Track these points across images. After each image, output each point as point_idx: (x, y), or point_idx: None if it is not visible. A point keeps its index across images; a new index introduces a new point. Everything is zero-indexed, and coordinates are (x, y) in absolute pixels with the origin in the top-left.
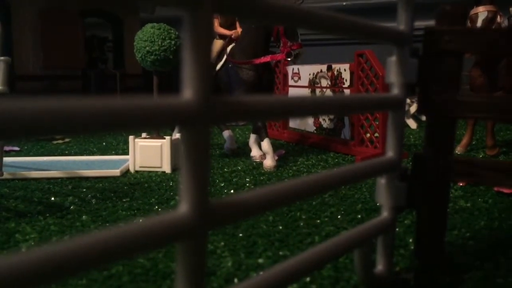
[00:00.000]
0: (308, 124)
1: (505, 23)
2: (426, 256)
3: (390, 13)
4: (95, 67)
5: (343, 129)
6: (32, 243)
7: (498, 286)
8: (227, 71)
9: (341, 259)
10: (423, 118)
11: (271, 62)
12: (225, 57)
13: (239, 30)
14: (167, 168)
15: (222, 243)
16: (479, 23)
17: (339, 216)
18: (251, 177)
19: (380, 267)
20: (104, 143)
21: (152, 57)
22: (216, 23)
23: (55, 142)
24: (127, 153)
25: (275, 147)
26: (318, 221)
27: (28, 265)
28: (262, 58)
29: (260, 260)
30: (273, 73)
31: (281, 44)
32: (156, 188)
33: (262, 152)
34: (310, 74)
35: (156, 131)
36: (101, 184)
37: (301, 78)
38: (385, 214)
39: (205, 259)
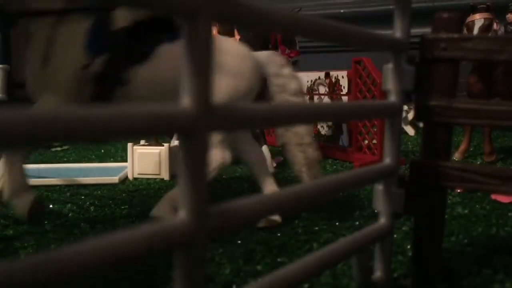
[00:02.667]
0: None
1: (501, 30)
2: (424, 262)
3: (388, 21)
4: None
5: (341, 136)
6: (31, 250)
7: None
8: None
9: (340, 265)
10: (421, 125)
11: None
12: None
13: (237, 37)
14: (165, 175)
15: (221, 250)
16: (475, 31)
17: (337, 223)
18: (249, 184)
19: (378, 273)
20: (102, 150)
21: None
22: (214, 30)
23: (53, 149)
24: (125, 160)
25: (273, 154)
26: (316, 228)
27: (26, 272)
28: None
29: (259, 267)
30: None
31: (279, 52)
32: (155, 195)
33: None
34: (308, 81)
35: (155, 138)
36: (99, 192)
37: None
38: (383, 220)
39: (204, 266)
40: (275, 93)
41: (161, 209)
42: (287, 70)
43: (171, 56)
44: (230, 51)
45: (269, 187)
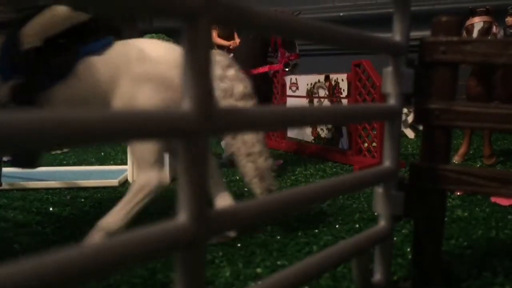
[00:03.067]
0: (306, 133)
1: (500, 33)
2: (424, 265)
3: (387, 24)
4: None
5: (341, 139)
6: (31, 253)
7: None
8: None
9: (339, 268)
10: (421, 127)
11: (269, 72)
12: None
13: (237, 40)
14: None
15: (221, 253)
16: (475, 34)
17: (337, 226)
18: (249, 187)
19: (378, 276)
20: (102, 153)
21: None
22: (214, 34)
23: (53, 152)
24: (125, 163)
25: (273, 156)
26: (316, 230)
27: (26, 276)
28: (260, 68)
29: (259, 270)
30: (271, 83)
31: (279, 55)
32: (155, 198)
33: None
34: (307, 84)
35: None
36: (99, 195)
37: (299, 88)
38: (382, 223)
39: (204, 269)
40: (220, 98)
41: (93, 240)
42: (232, 72)
43: (94, 70)
44: (156, 57)
45: (222, 200)
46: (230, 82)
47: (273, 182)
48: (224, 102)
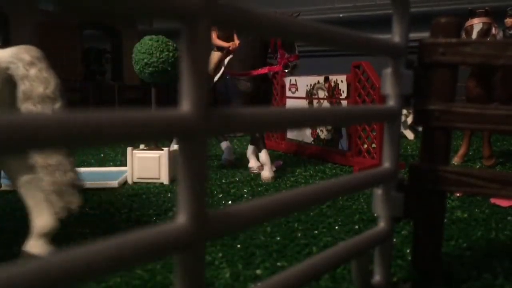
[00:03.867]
0: (306, 135)
1: (500, 35)
2: (424, 266)
3: (386, 26)
4: (93, 79)
5: (341, 140)
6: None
7: None
8: (225, 82)
9: (339, 269)
10: (420, 129)
11: (268, 73)
12: (222, 69)
13: (236, 42)
14: (165, 179)
15: (220, 254)
16: (474, 35)
17: (336, 227)
18: (249, 188)
19: (377, 277)
20: (102, 155)
21: (150, 69)
22: (214, 35)
23: None
24: (125, 165)
25: (272, 158)
26: (316, 232)
27: (25, 277)
28: (259, 69)
29: (258, 271)
30: (270, 84)
31: (279, 56)
32: (154, 200)
33: (260, 163)
34: (307, 85)
35: (154, 143)
36: (99, 196)
37: (299, 89)
38: (382, 224)
39: (203, 270)
40: (21, 102)
41: None
42: (34, 71)
43: None
44: None
45: (40, 221)
46: (29, 83)
47: (75, 199)
48: (23, 106)
